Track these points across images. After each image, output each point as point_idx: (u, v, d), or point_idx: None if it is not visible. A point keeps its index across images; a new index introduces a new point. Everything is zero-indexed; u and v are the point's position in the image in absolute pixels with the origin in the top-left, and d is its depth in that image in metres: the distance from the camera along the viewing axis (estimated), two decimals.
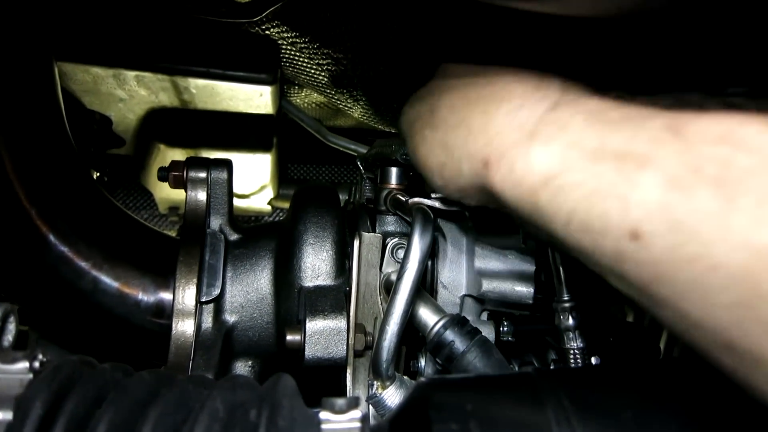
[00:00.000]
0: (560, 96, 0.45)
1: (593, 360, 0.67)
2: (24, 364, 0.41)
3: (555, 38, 0.53)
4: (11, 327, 0.47)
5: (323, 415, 0.38)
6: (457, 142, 0.50)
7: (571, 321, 0.66)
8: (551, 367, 0.78)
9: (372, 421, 0.57)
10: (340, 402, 0.39)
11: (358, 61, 0.87)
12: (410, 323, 0.65)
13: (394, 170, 0.80)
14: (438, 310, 0.67)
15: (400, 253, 0.74)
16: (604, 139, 0.38)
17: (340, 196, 0.86)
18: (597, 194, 0.36)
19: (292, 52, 0.93)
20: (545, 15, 0.43)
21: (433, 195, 0.70)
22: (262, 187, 1.38)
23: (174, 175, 0.82)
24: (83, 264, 0.76)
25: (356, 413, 0.38)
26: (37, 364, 0.42)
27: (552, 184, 0.40)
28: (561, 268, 0.67)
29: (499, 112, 0.47)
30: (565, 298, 0.66)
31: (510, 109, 0.46)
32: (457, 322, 0.65)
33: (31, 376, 0.42)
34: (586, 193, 0.37)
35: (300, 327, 0.70)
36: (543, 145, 0.41)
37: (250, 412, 0.38)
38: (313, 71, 0.95)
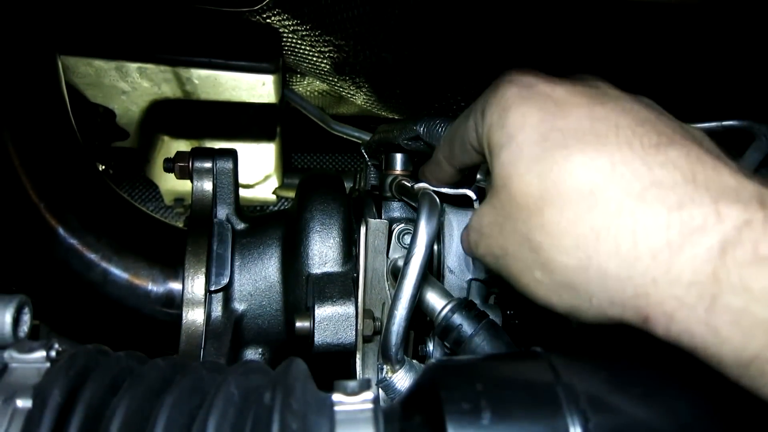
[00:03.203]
0: (758, 189, 0.35)
1: (600, 341, 0.67)
2: (41, 354, 0.42)
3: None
4: (26, 318, 0.48)
5: (336, 397, 0.39)
6: (591, 288, 0.39)
7: None
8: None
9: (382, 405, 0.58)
10: (352, 384, 0.39)
11: (361, 48, 0.87)
12: (418, 308, 0.66)
13: (398, 156, 0.81)
14: (445, 294, 0.68)
15: (407, 239, 0.74)
16: None
17: (345, 184, 0.86)
18: None
19: (294, 40, 0.92)
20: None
21: None
22: (267, 177, 1.38)
23: (179, 165, 0.83)
24: (93, 256, 0.77)
25: (368, 395, 0.39)
26: (53, 353, 0.43)
27: (747, 366, 0.32)
28: None
29: (642, 252, 0.35)
30: None
31: (656, 248, 0.35)
32: (465, 305, 0.66)
33: (48, 365, 0.42)
34: None
35: (309, 314, 0.71)
36: (733, 316, 0.32)
37: (264, 396, 0.39)
38: (315, 59, 0.95)
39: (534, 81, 0.48)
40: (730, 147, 0.65)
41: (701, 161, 0.37)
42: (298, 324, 0.70)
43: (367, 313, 0.71)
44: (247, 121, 1.25)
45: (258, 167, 1.35)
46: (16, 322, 0.47)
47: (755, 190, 0.35)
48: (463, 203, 0.75)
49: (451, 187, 0.68)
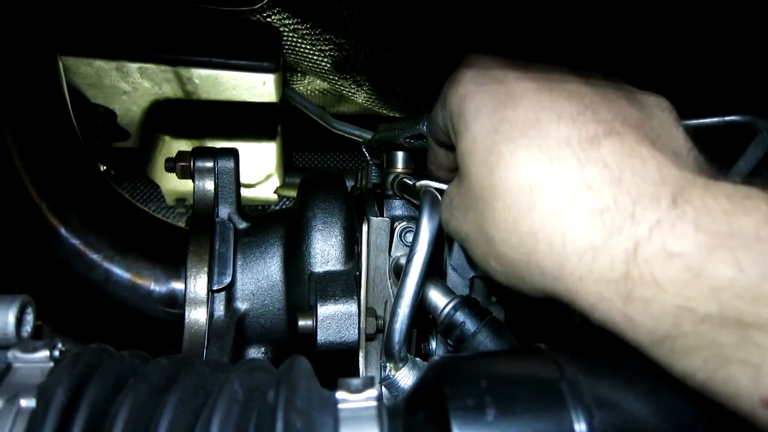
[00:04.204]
0: (679, 182, 0.37)
1: (603, 338, 0.67)
2: (44, 353, 0.42)
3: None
4: (29, 318, 0.48)
5: (339, 395, 0.39)
6: (533, 279, 0.43)
7: None
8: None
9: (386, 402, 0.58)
10: (355, 382, 0.39)
11: (361, 46, 0.87)
12: (421, 306, 0.66)
13: (399, 154, 0.81)
14: (448, 291, 0.68)
15: (409, 237, 0.74)
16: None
17: (347, 183, 0.86)
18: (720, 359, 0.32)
19: (294, 39, 0.92)
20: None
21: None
22: (268, 176, 1.38)
23: (181, 165, 0.83)
24: (95, 256, 0.77)
25: (372, 392, 0.39)
26: (57, 353, 0.43)
27: (665, 345, 0.35)
28: None
29: (572, 247, 0.39)
30: None
31: (590, 200, 0.39)
32: (468, 303, 0.66)
33: (51, 364, 0.42)
34: (708, 357, 0.33)
35: (311, 312, 0.71)
36: (643, 305, 0.35)
37: (268, 394, 0.39)
38: (315, 57, 0.95)
39: (490, 64, 0.50)
40: (732, 142, 0.65)
41: (632, 154, 0.40)
42: (301, 323, 0.70)
43: (370, 312, 0.71)
44: (248, 121, 1.25)
45: (259, 166, 1.35)
46: (20, 322, 0.47)
47: (676, 182, 0.38)
48: None
49: None
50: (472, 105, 0.48)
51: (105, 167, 1.27)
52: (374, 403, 0.38)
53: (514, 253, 0.43)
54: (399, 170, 0.80)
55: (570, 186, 0.40)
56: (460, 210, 0.50)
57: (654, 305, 0.35)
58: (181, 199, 1.42)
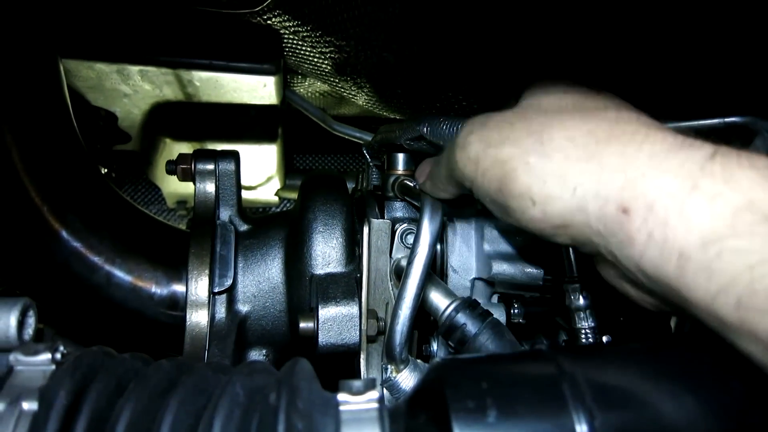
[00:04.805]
0: (714, 146, 0.40)
1: (604, 339, 0.67)
2: (46, 356, 0.42)
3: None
4: (31, 321, 0.48)
5: (341, 396, 0.39)
6: (581, 178, 0.44)
7: (582, 301, 0.66)
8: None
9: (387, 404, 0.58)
10: (357, 384, 0.39)
11: (362, 49, 0.87)
12: (422, 307, 0.66)
13: (400, 156, 0.81)
14: (449, 293, 0.68)
15: (410, 239, 0.74)
16: None
17: (348, 185, 0.86)
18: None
19: (295, 41, 0.92)
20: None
21: None
22: (269, 178, 1.38)
23: (182, 167, 0.83)
24: (96, 259, 0.77)
25: (373, 394, 0.39)
26: (58, 356, 0.43)
27: (711, 249, 0.35)
28: (571, 249, 0.67)
29: (642, 154, 0.42)
30: (576, 278, 0.67)
31: (655, 152, 0.41)
32: (469, 305, 0.66)
33: (53, 367, 0.42)
34: (754, 262, 0.33)
35: (313, 314, 0.71)
36: (708, 200, 0.37)
37: (270, 396, 0.39)
38: (316, 60, 0.95)
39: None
40: (733, 144, 0.64)
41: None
42: (302, 325, 0.70)
43: (371, 314, 0.71)
44: (249, 123, 1.25)
45: (260, 169, 1.36)
46: (21, 325, 0.47)
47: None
48: (466, 203, 0.75)
49: None
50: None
51: (106, 170, 1.27)
52: (375, 405, 0.38)
53: (575, 151, 0.46)
54: (400, 172, 0.80)
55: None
56: (503, 123, 0.52)
57: (718, 201, 0.37)
58: (182, 202, 1.42)
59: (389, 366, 0.64)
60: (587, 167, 0.44)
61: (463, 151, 0.53)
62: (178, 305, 0.79)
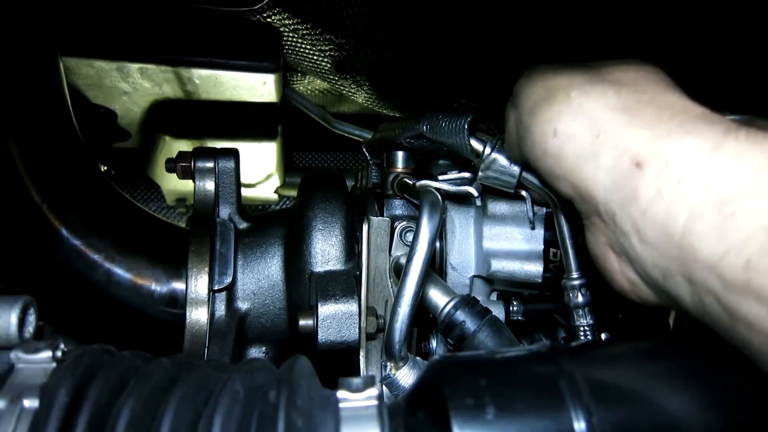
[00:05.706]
0: (732, 120, 0.41)
1: (603, 336, 0.67)
2: (47, 354, 0.42)
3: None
4: (31, 319, 0.48)
5: (340, 394, 0.39)
6: (609, 125, 0.44)
7: (580, 298, 0.66)
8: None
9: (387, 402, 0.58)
10: (356, 381, 0.40)
11: (361, 46, 0.87)
12: (421, 305, 0.66)
13: (400, 154, 0.81)
14: (448, 291, 0.68)
15: (409, 237, 0.75)
16: None
17: (347, 182, 0.86)
18: None
19: (295, 39, 0.92)
20: None
21: (440, 177, 0.70)
22: (268, 176, 1.38)
23: (182, 165, 0.83)
24: (96, 257, 0.77)
25: (373, 391, 0.39)
26: (59, 354, 0.43)
27: (727, 207, 0.35)
28: (570, 246, 0.67)
29: (674, 120, 0.42)
30: (575, 276, 0.67)
31: (686, 120, 0.42)
32: (468, 302, 0.66)
33: (54, 365, 0.43)
34: None
35: (312, 312, 0.71)
36: (730, 159, 0.37)
37: (269, 394, 0.39)
38: (315, 57, 0.95)
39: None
40: None
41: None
42: (302, 322, 0.70)
43: (370, 311, 0.72)
44: (249, 121, 1.25)
45: (260, 166, 1.36)
46: (22, 322, 0.47)
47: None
48: (465, 200, 0.75)
49: (453, 184, 0.68)
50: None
51: (106, 168, 1.27)
52: (375, 402, 0.39)
53: (618, 99, 0.47)
54: (399, 170, 0.80)
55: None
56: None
57: (738, 160, 0.37)
58: (181, 200, 1.42)
59: (388, 363, 0.64)
60: (619, 117, 0.44)
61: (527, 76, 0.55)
62: (178, 303, 0.79)
